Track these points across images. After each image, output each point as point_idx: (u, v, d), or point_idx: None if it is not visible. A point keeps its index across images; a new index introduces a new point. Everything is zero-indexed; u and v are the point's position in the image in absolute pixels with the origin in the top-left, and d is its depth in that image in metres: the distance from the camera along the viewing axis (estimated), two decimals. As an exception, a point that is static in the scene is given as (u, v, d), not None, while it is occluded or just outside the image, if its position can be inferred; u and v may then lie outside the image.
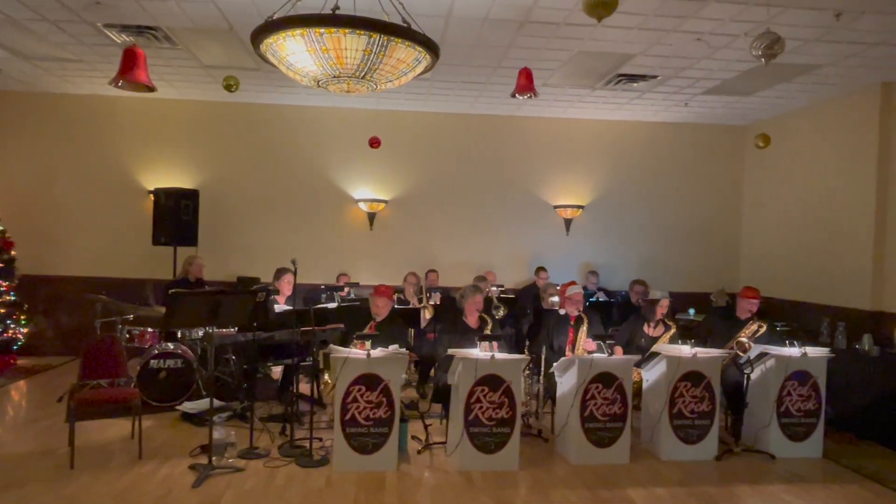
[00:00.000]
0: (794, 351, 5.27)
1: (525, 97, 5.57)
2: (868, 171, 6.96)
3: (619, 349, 5.56)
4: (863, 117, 7.06)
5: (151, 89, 4.41)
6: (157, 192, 8.03)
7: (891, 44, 5.62)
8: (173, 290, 4.68)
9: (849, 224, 7.21)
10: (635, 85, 7.26)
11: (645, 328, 5.89)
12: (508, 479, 4.54)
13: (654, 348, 5.38)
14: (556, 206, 9.16)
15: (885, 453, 5.40)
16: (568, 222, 9.17)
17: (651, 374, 5.30)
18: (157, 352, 5.86)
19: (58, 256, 8.46)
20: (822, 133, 7.74)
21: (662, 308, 5.83)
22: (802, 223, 8.02)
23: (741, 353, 5.46)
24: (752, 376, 5.28)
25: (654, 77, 6.94)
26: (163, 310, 6.31)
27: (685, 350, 5.19)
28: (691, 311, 8.17)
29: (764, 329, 5.63)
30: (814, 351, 5.33)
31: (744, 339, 5.50)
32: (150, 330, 6.32)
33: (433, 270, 8.40)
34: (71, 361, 7.81)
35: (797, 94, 7.45)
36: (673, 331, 5.79)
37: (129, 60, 4.21)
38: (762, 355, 5.27)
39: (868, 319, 6.77)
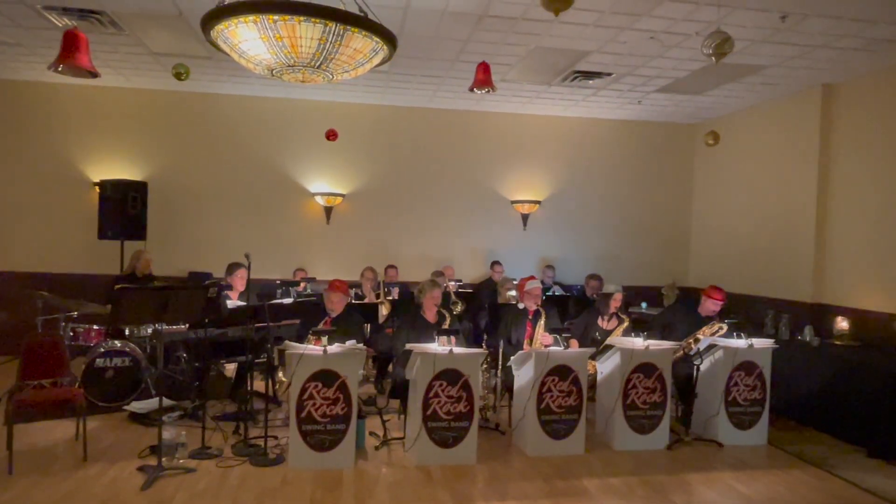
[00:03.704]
0: (741, 342, 5.45)
1: (483, 92, 5.58)
2: (810, 170, 7.25)
3: (574, 342, 5.64)
4: (805, 117, 7.35)
5: (94, 75, 4.23)
6: (103, 184, 7.71)
7: (832, 47, 5.86)
8: (119, 286, 4.51)
9: (791, 221, 7.51)
10: (591, 82, 7.36)
11: (599, 321, 5.99)
12: (466, 472, 4.56)
13: (608, 341, 5.48)
14: (513, 202, 9.22)
15: (824, 439, 5.65)
16: (525, 217, 9.25)
17: (605, 367, 5.40)
18: (103, 350, 5.64)
19: (-5, 251, 8.06)
20: (766, 132, 8.03)
21: (616, 302, 5.95)
22: (748, 220, 8.30)
23: (694, 348, 5.59)
24: (702, 367, 5.44)
25: (609, 74, 7.06)
26: (109, 307, 6.08)
27: (638, 342, 5.30)
28: (644, 304, 8.38)
29: (724, 330, 5.62)
30: (759, 342, 5.52)
31: (702, 338, 5.59)
32: (95, 327, 6.08)
33: (392, 266, 8.34)
34: (10, 361, 7.44)
35: (744, 93, 7.69)
36: (626, 324, 5.91)
37: (70, 44, 4.01)
38: (711, 347, 5.43)
39: (809, 311, 7.07)
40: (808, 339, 6.38)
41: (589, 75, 7.09)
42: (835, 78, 6.88)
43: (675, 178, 9.66)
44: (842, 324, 6.47)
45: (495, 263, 8.57)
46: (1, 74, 7.85)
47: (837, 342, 6.35)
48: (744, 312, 7.44)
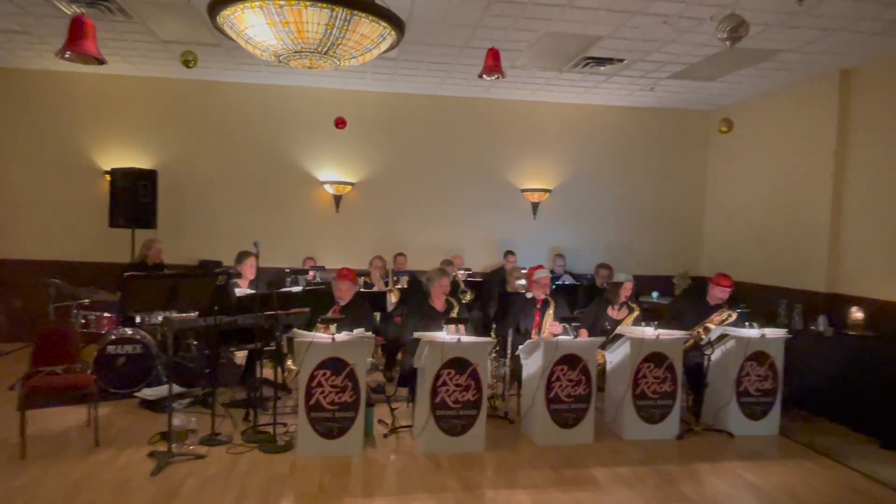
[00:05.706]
0: (752, 332, 5.39)
1: (492, 78, 5.51)
2: (826, 158, 7.12)
3: (584, 332, 5.60)
4: (821, 104, 7.20)
5: (101, 62, 4.22)
6: (114, 173, 7.73)
7: (850, 30, 5.73)
8: (129, 273, 4.53)
9: (806, 209, 7.39)
10: (602, 68, 7.26)
11: (609, 311, 5.95)
12: (475, 460, 4.56)
13: (618, 330, 5.45)
14: (523, 190, 9.16)
15: (836, 430, 5.59)
16: (535, 206, 9.18)
17: (615, 356, 5.37)
18: (114, 337, 5.69)
19: (8, 239, 8.11)
20: (782, 119, 7.89)
21: (626, 291, 5.90)
22: (762, 208, 8.19)
23: (705, 338, 5.53)
24: (713, 357, 5.39)
25: (621, 61, 6.95)
26: (119, 295, 6.12)
27: (648, 332, 5.26)
28: (654, 293, 8.31)
29: (734, 318, 5.58)
30: (772, 332, 5.46)
31: (711, 327, 5.54)
32: (107, 315, 6.13)
33: (401, 254, 8.33)
34: (23, 348, 7.53)
35: (759, 79, 7.55)
36: (636, 313, 5.87)
37: (77, 30, 4.00)
38: (722, 336, 5.38)
39: (823, 301, 6.97)
40: (821, 328, 6.30)
41: (600, 61, 6.98)
42: (853, 62, 6.73)
43: (687, 166, 9.53)
44: (856, 314, 6.38)
45: (509, 252, 8.52)
46: (10, 63, 7.88)
47: (852, 332, 6.26)
48: (757, 302, 7.36)
